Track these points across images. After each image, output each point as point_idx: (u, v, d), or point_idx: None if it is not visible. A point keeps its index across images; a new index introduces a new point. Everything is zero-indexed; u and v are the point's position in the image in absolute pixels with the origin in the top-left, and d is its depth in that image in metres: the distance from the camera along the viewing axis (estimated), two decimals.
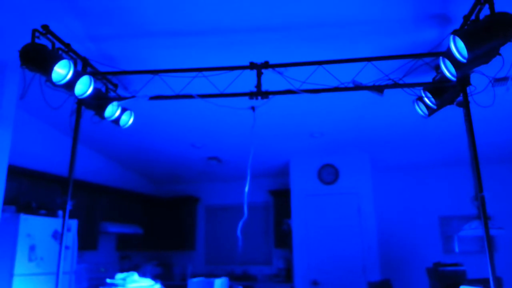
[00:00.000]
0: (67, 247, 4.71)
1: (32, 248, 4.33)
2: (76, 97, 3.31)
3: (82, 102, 3.55)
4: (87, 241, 5.73)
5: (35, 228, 4.40)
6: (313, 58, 3.32)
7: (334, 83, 3.36)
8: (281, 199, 7.18)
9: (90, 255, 6.18)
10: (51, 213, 4.79)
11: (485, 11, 2.54)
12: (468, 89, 3.07)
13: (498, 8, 2.47)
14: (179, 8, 2.97)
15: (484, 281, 4.40)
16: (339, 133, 5.62)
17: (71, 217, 4.61)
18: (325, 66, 3.30)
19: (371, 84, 3.33)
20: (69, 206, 3.39)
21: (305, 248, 6.34)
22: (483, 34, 2.39)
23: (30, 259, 4.28)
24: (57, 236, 4.61)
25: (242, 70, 3.40)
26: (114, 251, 6.85)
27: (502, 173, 6.73)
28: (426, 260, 6.58)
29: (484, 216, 2.83)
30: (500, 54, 2.55)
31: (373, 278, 5.95)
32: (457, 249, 6.67)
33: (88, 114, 3.74)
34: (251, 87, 3.39)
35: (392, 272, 6.78)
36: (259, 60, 3.36)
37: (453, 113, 3.53)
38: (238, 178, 7.72)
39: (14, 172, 4.58)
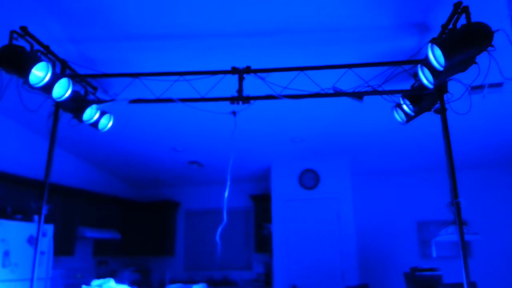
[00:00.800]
0: (42, 253, 4.61)
1: (6, 254, 4.22)
2: (53, 99, 3.25)
3: (60, 105, 3.49)
4: (63, 246, 5.61)
5: (10, 233, 4.29)
6: (294, 64, 3.35)
7: (315, 89, 3.39)
8: (262, 203, 7.18)
9: (66, 260, 6.06)
10: (27, 218, 4.68)
11: (462, 20, 2.61)
12: (445, 97, 3.13)
13: (474, 18, 2.54)
14: (161, 11, 2.95)
15: (459, 286, 4.49)
16: (320, 139, 5.66)
17: (47, 221, 4.51)
18: (306, 72, 3.33)
19: (351, 90, 3.38)
20: (44, 211, 3.32)
21: (285, 253, 6.35)
22: (460, 43, 2.45)
23: (4, 265, 4.17)
24: (33, 241, 4.51)
25: (224, 75, 3.40)
26: (91, 257, 6.73)
27: (478, 179, 6.88)
28: (404, 265, 6.67)
29: (459, 222, 2.89)
30: (476, 63, 2.63)
31: (351, 282, 5.99)
32: (434, 254, 6.77)
33: (66, 116, 3.68)
34: (232, 91, 3.39)
35: (370, 277, 6.85)
36: (241, 65, 3.37)
37: (430, 119, 3.59)
38: (219, 182, 7.69)
39: None
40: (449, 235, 4.76)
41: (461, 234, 2.88)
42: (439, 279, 5.05)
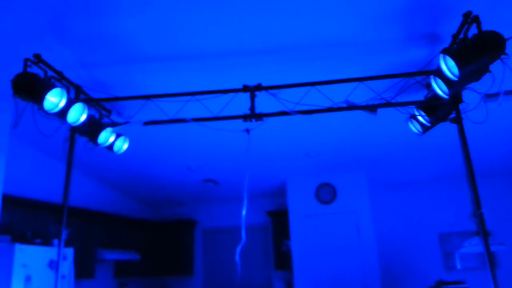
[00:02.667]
0: (63, 276, 4.63)
1: (28, 279, 4.24)
2: (69, 124, 3.30)
3: (75, 130, 3.54)
4: (83, 269, 5.63)
5: (31, 258, 4.32)
6: (305, 79, 3.34)
7: (328, 104, 3.37)
8: (279, 220, 7.11)
9: (87, 283, 6.07)
10: (47, 242, 4.72)
11: (473, 29, 2.57)
12: (461, 106, 3.08)
13: (485, 26, 2.50)
14: (171, 33, 2.99)
15: None
16: (335, 152, 5.61)
17: (67, 245, 4.54)
18: (318, 87, 3.32)
19: (364, 103, 3.35)
20: (64, 235, 3.34)
21: (306, 269, 6.25)
22: (473, 53, 2.42)
23: None
24: (53, 265, 4.53)
25: (235, 93, 3.42)
26: (112, 279, 6.73)
27: (500, 187, 6.70)
28: (428, 278, 6.50)
29: (483, 233, 2.81)
30: (490, 71, 2.58)
31: None
32: (458, 266, 6.59)
33: (82, 140, 3.73)
34: (245, 109, 3.39)
35: None
36: (252, 82, 3.38)
37: (447, 128, 3.53)
38: (234, 200, 7.66)
39: (8, 201, 4.53)
40: (473, 246, 4.63)
41: (487, 246, 2.80)
42: None
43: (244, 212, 3.81)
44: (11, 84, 2.88)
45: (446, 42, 2.93)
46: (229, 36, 3.04)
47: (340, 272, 6.11)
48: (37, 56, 2.99)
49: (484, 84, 2.82)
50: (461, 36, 2.66)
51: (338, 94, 3.42)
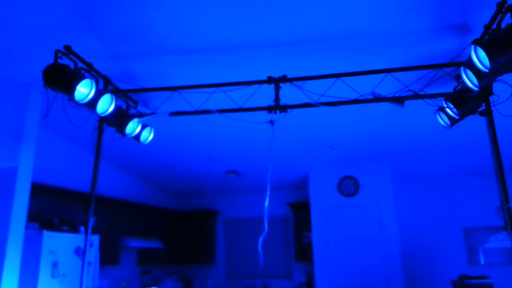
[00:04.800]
0: (89, 263, 4.75)
1: (55, 264, 4.37)
2: (98, 115, 3.36)
3: (103, 120, 3.61)
4: (108, 256, 5.77)
5: (58, 244, 4.45)
6: (331, 71, 3.31)
7: (353, 95, 3.34)
8: (300, 212, 7.13)
9: (112, 270, 6.22)
10: (73, 229, 4.85)
11: (507, 19, 2.50)
12: (491, 99, 3.02)
13: None
14: (197, 25, 3.01)
15: None
16: (358, 145, 5.57)
17: (93, 232, 4.65)
18: (344, 78, 3.29)
19: (391, 95, 3.31)
20: (91, 223, 3.42)
21: (326, 262, 6.26)
22: (506, 43, 2.35)
23: (53, 276, 4.32)
24: (80, 252, 4.66)
25: (260, 85, 3.42)
26: (135, 266, 6.87)
27: None
28: (451, 273, 6.42)
29: (511, 229, 2.76)
30: None
31: None
32: (482, 261, 6.48)
33: (109, 131, 3.80)
34: (269, 101, 3.39)
35: (416, 285, 6.63)
36: (277, 74, 3.37)
37: (475, 121, 3.46)
38: (256, 191, 7.70)
39: (36, 189, 4.66)
40: (499, 241, 4.55)
41: None
42: (490, 287, 4.84)
43: (266, 203, 3.82)
44: (42, 75, 2.95)
45: (477, 33, 2.87)
46: (254, 28, 3.04)
47: (361, 266, 6.09)
48: (67, 47, 3.05)
49: None
50: (494, 26, 2.60)
51: (364, 86, 3.39)
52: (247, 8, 2.82)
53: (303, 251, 6.93)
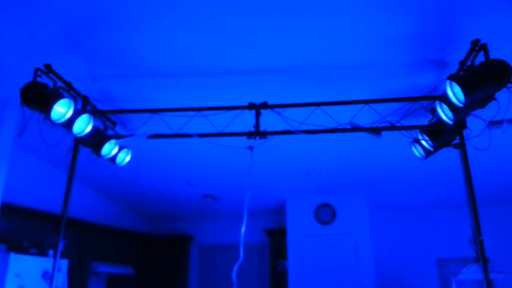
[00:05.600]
0: None
1: None
2: (74, 135, 3.30)
3: (79, 140, 3.54)
4: (77, 282, 5.56)
5: (25, 268, 4.27)
6: (311, 100, 3.36)
7: (332, 124, 3.39)
8: (277, 239, 7.05)
9: None
10: (42, 252, 4.67)
11: (480, 57, 2.61)
12: (465, 132, 3.10)
13: (493, 55, 2.54)
14: (180, 49, 3.02)
15: None
16: (336, 173, 5.61)
17: (61, 256, 4.49)
18: (323, 107, 3.34)
19: (368, 125, 3.37)
20: (61, 246, 3.31)
21: None
22: (479, 80, 2.44)
23: None
24: (47, 276, 4.48)
25: (241, 110, 3.43)
26: None
27: (501, 215, 6.68)
28: None
29: (483, 261, 2.79)
30: (495, 99, 2.61)
31: None
32: None
33: (85, 151, 3.72)
34: (249, 127, 3.41)
35: None
36: (258, 100, 3.40)
37: (450, 154, 3.54)
38: (233, 217, 7.61)
39: (6, 209, 4.49)
40: (472, 273, 4.59)
41: (486, 273, 2.78)
42: None
43: (243, 230, 3.78)
44: (20, 93, 2.90)
45: (453, 69, 2.97)
46: (237, 55, 3.08)
47: None
48: (47, 66, 3.01)
49: (489, 111, 2.84)
50: (468, 63, 2.70)
51: (343, 116, 3.44)
52: (231, 35, 2.86)
53: (278, 280, 6.84)
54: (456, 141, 3.18)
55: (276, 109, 3.39)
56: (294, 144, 4.62)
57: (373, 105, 3.34)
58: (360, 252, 6.15)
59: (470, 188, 2.99)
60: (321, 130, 3.33)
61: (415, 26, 2.71)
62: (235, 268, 3.66)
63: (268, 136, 3.41)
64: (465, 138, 3.10)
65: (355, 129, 3.38)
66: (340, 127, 3.36)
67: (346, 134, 4.13)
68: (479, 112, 2.83)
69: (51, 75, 3.06)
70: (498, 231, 6.60)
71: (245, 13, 2.66)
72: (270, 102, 3.36)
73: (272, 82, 3.40)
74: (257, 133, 3.37)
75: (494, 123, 3.68)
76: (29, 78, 2.99)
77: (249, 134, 3.39)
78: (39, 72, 2.99)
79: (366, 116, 3.44)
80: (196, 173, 5.67)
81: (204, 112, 3.48)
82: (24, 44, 2.95)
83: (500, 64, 2.40)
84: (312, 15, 2.66)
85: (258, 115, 3.39)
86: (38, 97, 2.88)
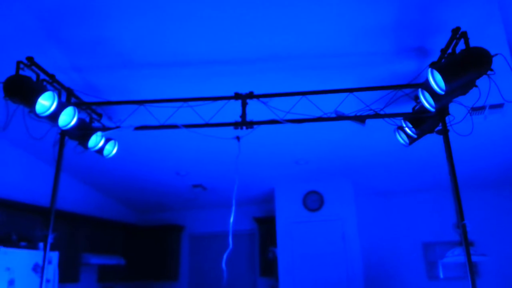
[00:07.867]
0: (48, 281, 4.58)
1: (11, 283, 4.19)
2: (59, 127, 3.29)
3: (65, 133, 3.53)
4: (68, 273, 5.57)
5: (15, 261, 4.27)
6: (297, 89, 3.38)
7: (318, 113, 3.42)
8: (266, 226, 7.14)
9: None
10: (32, 245, 4.67)
11: (461, 45, 2.65)
12: (447, 119, 3.16)
13: (473, 42, 2.58)
14: (164, 39, 3.02)
15: None
16: (323, 161, 5.67)
17: (52, 249, 4.49)
18: (309, 96, 3.37)
19: (353, 114, 3.41)
20: (50, 239, 3.32)
21: (291, 276, 6.28)
22: (460, 68, 2.49)
23: None
24: (38, 269, 4.49)
25: (227, 100, 3.45)
26: (96, 284, 6.66)
27: (484, 199, 6.82)
28: (411, 286, 6.57)
29: (466, 244, 2.87)
30: (476, 86, 2.66)
31: None
32: (441, 275, 6.68)
33: (71, 144, 3.71)
34: (236, 117, 3.42)
35: None
36: (244, 90, 3.41)
37: (434, 140, 3.61)
38: (222, 206, 7.67)
39: None
40: (456, 256, 4.71)
41: (468, 256, 2.86)
42: None
43: (232, 219, 3.82)
44: (3, 87, 2.87)
45: (435, 56, 3.01)
46: (222, 44, 3.08)
47: (324, 280, 6.15)
48: (30, 59, 2.98)
49: (470, 98, 2.90)
50: (449, 51, 2.74)
51: (328, 104, 3.47)
52: (215, 24, 2.86)
53: (268, 266, 6.93)
54: (439, 127, 3.23)
55: (262, 99, 3.41)
56: (281, 133, 4.65)
57: (358, 94, 3.38)
58: (347, 237, 6.25)
59: (453, 173, 3.06)
60: (307, 119, 3.36)
61: (397, 15, 2.74)
62: (225, 256, 3.72)
63: (255, 126, 3.43)
64: (447, 124, 3.16)
65: (340, 117, 3.42)
66: (325, 115, 3.39)
67: (331, 122, 4.16)
68: (461, 98, 2.88)
69: (34, 67, 3.04)
70: (481, 215, 6.76)
71: (228, 2, 2.66)
72: (256, 92, 3.38)
73: (257, 71, 3.41)
74: (243, 123, 3.40)
75: (476, 109, 3.76)
76: (11, 71, 2.96)
77: (235, 124, 3.41)
78: (21, 65, 2.96)
79: (350, 104, 3.48)
80: (184, 164, 5.69)
81: (190, 103, 3.49)
82: (4, 37, 2.92)
83: (480, 51, 2.45)
84: (295, 4, 2.67)
85: (244, 105, 3.41)
86: (22, 90, 2.86)
